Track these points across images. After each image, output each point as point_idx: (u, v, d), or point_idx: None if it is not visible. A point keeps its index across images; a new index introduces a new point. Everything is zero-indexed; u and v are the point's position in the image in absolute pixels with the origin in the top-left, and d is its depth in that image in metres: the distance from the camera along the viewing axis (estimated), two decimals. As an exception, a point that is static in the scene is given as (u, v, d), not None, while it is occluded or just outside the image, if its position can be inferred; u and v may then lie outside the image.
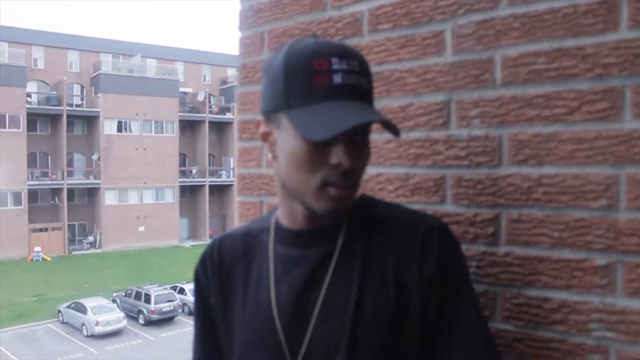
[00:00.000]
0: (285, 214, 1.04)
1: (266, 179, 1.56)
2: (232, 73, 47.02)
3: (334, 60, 0.90)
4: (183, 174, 44.29)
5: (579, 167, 1.02)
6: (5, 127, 36.66)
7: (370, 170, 1.29)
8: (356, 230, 0.99)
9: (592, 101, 1.01)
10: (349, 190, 0.93)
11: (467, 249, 1.14)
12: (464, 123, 1.15)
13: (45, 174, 39.79)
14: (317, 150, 0.90)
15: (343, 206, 0.94)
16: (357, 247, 0.98)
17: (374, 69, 1.28)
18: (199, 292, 1.14)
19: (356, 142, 0.92)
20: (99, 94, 40.14)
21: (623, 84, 0.98)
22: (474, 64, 1.14)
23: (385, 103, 1.27)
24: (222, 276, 1.10)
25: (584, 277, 1.02)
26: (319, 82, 0.89)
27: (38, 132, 39.80)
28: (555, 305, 1.05)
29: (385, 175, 1.27)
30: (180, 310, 26.09)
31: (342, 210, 0.94)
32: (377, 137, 1.28)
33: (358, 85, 0.91)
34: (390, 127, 0.93)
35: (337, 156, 0.90)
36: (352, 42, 1.33)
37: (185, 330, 24.57)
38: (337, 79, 0.89)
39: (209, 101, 46.21)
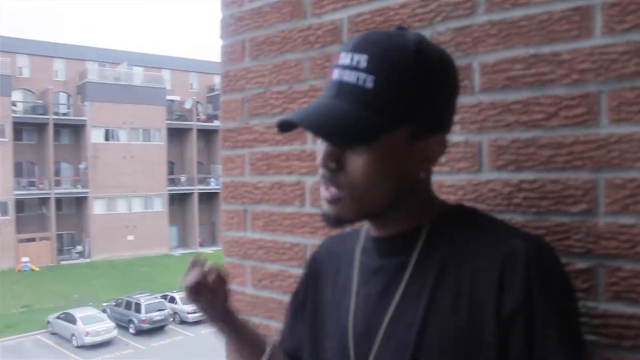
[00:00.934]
0: None
1: (250, 187, 1.56)
2: (219, 80, 46.85)
3: (342, 54, 0.85)
4: (172, 182, 44.13)
5: (558, 172, 1.03)
6: (-9, 137, 36.38)
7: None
8: (434, 244, 0.89)
9: (569, 106, 1.02)
10: (330, 192, 0.87)
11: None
12: (444, 129, 1.16)
13: (32, 184, 39.47)
14: (319, 150, 0.88)
15: (332, 209, 0.88)
16: (432, 263, 0.88)
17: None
18: (302, 279, 1.14)
19: (350, 145, 0.85)
20: (86, 103, 39.94)
21: (599, 90, 0.99)
22: (453, 70, 1.15)
23: (366, 110, 1.27)
24: (318, 279, 1.08)
25: (565, 282, 1.02)
26: (328, 77, 0.88)
27: (24, 142, 39.53)
28: (538, 309, 1.05)
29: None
30: (171, 319, 25.94)
31: (330, 216, 0.89)
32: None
33: (353, 82, 0.82)
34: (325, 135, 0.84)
35: (320, 153, 0.87)
36: (333, 50, 1.33)
37: (176, 340, 24.46)
38: (334, 74, 0.86)
39: (197, 109, 46.14)
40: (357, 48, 0.83)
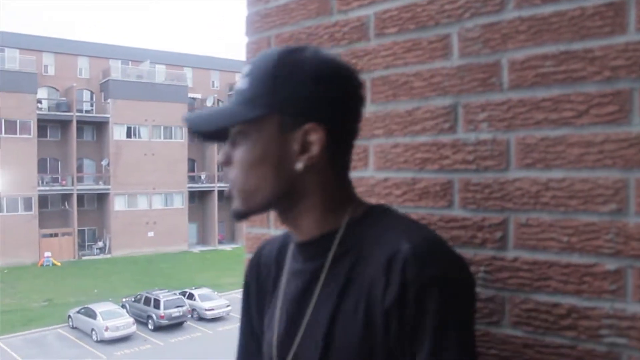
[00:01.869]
0: None
1: (273, 184, 1.56)
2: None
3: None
4: (192, 179, 44.46)
5: (587, 171, 1.01)
6: (16, 133, 36.98)
7: (377, 175, 1.29)
8: (346, 247, 0.95)
9: (601, 104, 1.00)
10: (228, 187, 0.98)
11: (475, 253, 1.13)
12: (471, 127, 1.15)
13: (55, 180, 40.07)
14: None
15: (232, 205, 0.98)
16: (343, 266, 0.94)
17: (380, 73, 1.28)
18: (245, 298, 1.16)
19: (236, 142, 0.96)
20: (109, 100, 40.41)
21: (632, 87, 0.97)
22: (481, 67, 1.14)
23: (391, 107, 1.26)
24: (259, 282, 1.13)
25: (594, 282, 1.01)
26: None
27: (48, 138, 40.13)
28: (565, 310, 1.04)
29: (392, 180, 1.26)
30: (190, 315, 26.13)
31: (231, 210, 0.98)
32: (384, 141, 1.27)
33: (239, 87, 0.96)
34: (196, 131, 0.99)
35: None
36: (359, 47, 1.33)
37: (194, 336, 24.62)
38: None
39: (218, 106, 46.30)
40: (248, 63, 1.00)
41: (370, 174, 1.30)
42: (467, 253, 1.14)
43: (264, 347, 1.06)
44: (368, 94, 1.30)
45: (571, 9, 1.03)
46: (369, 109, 1.30)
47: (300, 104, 0.92)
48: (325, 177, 0.96)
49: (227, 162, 0.97)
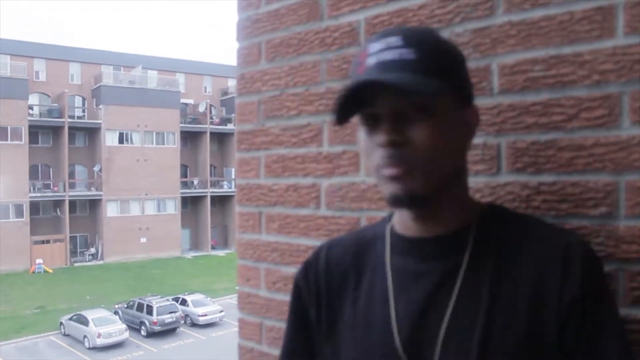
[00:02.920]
0: (397, 218, 0.97)
1: (265, 189, 1.56)
2: (233, 84, 47.14)
3: (371, 45, 0.87)
4: (184, 185, 44.33)
5: (578, 175, 1.02)
6: (7, 140, 36.76)
7: (368, 180, 1.29)
8: (485, 244, 0.89)
9: (590, 108, 1.00)
10: (398, 168, 0.84)
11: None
12: (461, 131, 1.15)
13: (47, 186, 39.83)
14: (369, 134, 0.88)
15: (401, 189, 0.85)
16: (486, 264, 0.88)
17: (371, 78, 1.28)
18: (297, 303, 1.06)
19: (407, 117, 0.84)
20: (101, 106, 40.27)
21: (621, 91, 0.97)
22: (471, 72, 1.13)
23: (382, 112, 1.26)
24: (329, 288, 1.01)
25: (585, 286, 1.01)
26: (360, 69, 0.87)
27: (40, 144, 39.91)
28: (557, 314, 1.03)
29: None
30: (183, 321, 26.01)
31: (402, 194, 0.85)
32: (375, 146, 1.27)
33: (395, 58, 0.84)
34: (415, 91, 0.82)
35: (380, 134, 0.85)
36: (350, 52, 1.33)
37: (187, 342, 24.52)
38: (371, 61, 0.86)
39: (210, 112, 46.32)
40: (386, 34, 0.87)
41: (362, 179, 1.30)
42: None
43: (363, 357, 0.94)
44: (359, 99, 1.30)
45: (560, 13, 1.04)
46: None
47: (466, 84, 0.93)
48: (466, 164, 0.96)
49: (404, 140, 0.84)
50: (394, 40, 0.85)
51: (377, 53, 0.85)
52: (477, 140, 1.13)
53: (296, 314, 1.07)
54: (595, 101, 1.00)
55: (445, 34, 1.17)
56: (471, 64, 1.13)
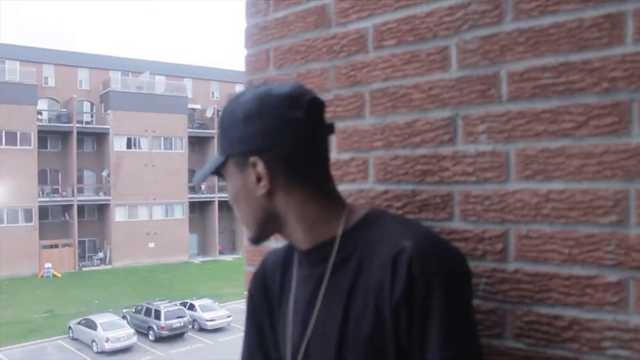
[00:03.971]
0: None
1: (273, 196, 1.56)
2: (240, 89, 47.08)
3: None
4: (192, 190, 44.41)
5: (587, 182, 1.01)
6: (16, 145, 37.03)
7: (377, 187, 1.29)
8: (348, 251, 1.03)
9: (600, 115, 1.00)
10: None
11: (476, 265, 1.13)
12: (470, 139, 1.15)
13: (55, 191, 40.06)
14: None
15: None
16: (347, 268, 1.02)
17: (379, 85, 1.28)
18: (251, 310, 1.22)
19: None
20: (109, 111, 40.50)
21: (630, 98, 0.97)
22: (480, 79, 1.14)
23: (391, 119, 1.26)
24: (266, 290, 1.19)
25: (596, 294, 1.00)
26: None
27: (49, 149, 40.16)
28: (567, 322, 1.03)
29: (392, 192, 1.26)
30: (190, 326, 26.02)
31: (249, 238, 1.11)
32: (383, 153, 1.27)
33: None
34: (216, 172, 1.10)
35: None
36: (357, 59, 1.33)
37: (195, 347, 24.52)
38: None
39: (218, 117, 46.36)
40: None
41: (370, 186, 1.30)
42: (467, 265, 1.13)
43: (280, 351, 1.14)
44: (367, 106, 1.30)
45: (569, 20, 1.03)
46: (369, 121, 1.30)
47: (239, 144, 1.04)
48: (292, 196, 1.05)
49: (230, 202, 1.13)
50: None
51: None
52: (486, 147, 1.12)
53: (251, 321, 1.22)
54: (605, 108, 0.99)
55: (453, 41, 1.17)
56: (479, 71, 1.14)
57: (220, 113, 1.11)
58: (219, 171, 1.09)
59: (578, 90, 1.02)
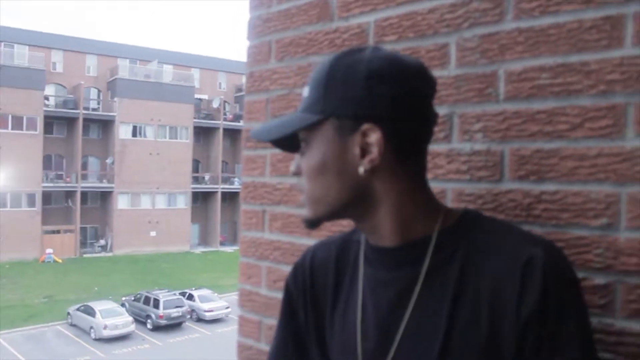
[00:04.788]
0: None
1: (269, 187, 1.56)
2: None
3: None
4: (196, 180, 44.51)
5: (580, 185, 1.01)
6: (22, 129, 37.13)
7: (371, 182, 1.28)
8: (448, 253, 0.90)
9: (595, 118, 1.00)
10: (300, 194, 0.98)
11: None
12: (466, 137, 1.15)
13: (59, 177, 40.17)
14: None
15: (304, 212, 0.97)
16: (449, 272, 0.89)
17: (378, 80, 1.28)
18: (287, 305, 1.09)
19: (303, 150, 0.95)
20: (115, 99, 40.55)
21: (626, 101, 0.96)
22: (478, 77, 1.14)
23: (388, 115, 1.26)
24: (314, 290, 1.05)
25: (584, 296, 1.00)
26: None
27: (54, 135, 40.24)
28: (554, 324, 1.03)
29: (386, 187, 1.26)
30: (189, 316, 26.12)
31: (303, 217, 0.97)
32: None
33: (303, 96, 0.95)
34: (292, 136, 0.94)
35: None
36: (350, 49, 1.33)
37: (193, 337, 24.62)
38: None
39: (224, 108, 46.49)
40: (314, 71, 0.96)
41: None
42: (458, 263, 1.14)
43: (339, 358, 1.00)
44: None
45: (569, 21, 1.03)
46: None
47: (354, 105, 0.88)
48: (397, 181, 0.91)
49: (297, 171, 0.96)
50: (310, 79, 0.95)
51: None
52: (481, 146, 1.12)
53: (287, 316, 1.09)
54: (601, 111, 0.99)
55: (453, 38, 1.17)
56: (478, 70, 1.14)
57: (323, 66, 0.93)
58: (301, 134, 0.93)
59: (575, 91, 1.02)
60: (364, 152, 0.88)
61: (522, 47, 1.09)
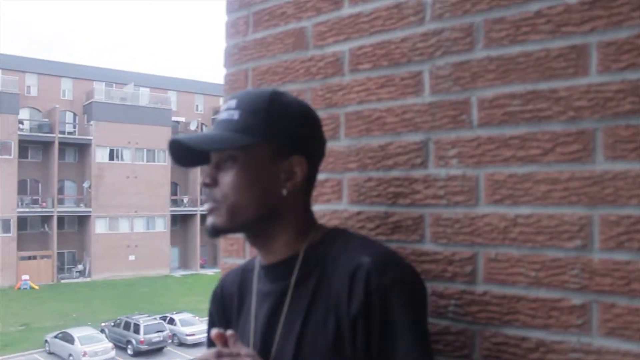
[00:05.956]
0: None
1: (249, 214, 1.57)
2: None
3: (222, 106, 1.12)
4: (174, 202, 44.16)
5: (553, 208, 1.04)
6: (-4, 154, 36.56)
7: (350, 208, 1.30)
8: (310, 267, 1.06)
9: (566, 143, 1.03)
10: (207, 204, 1.07)
11: (445, 287, 1.15)
12: (442, 163, 1.17)
13: (35, 201, 39.53)
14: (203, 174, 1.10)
15: (209, 220, 1.07)
16: (309, 283, 1.05)
17: (354, 107, 1.30)
18: (210, 321, 1.25)
19: (222, 165, 1.06)
20: (92, 122, 40.19)
21: (594, 127, 1.00)
22: (452, 104, 1.16)
23: (365, 142, 1.28)
24: (224, 309, 1.21)
25: (561, 317, 1.02)
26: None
27: (29, 159, 39.67)
28: (533, 344, 1.05)
29: (365, 214, 1.28)
30: (170, 340, 25.71)
31: (209, 226, 1.07)
32: (357, 174, 1.29)
33: (225, 118, 1.07)
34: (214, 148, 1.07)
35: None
36: (334, 81, 1.35)
37: (174, 361, 24.19)
38: (216, 119, 1.11)
39: (202, 130, 46.28)
40: (233, 96, 1.09)
41: (344, 207, 1.31)
42: (438, 287, 1.16)
43: None
44: (342, 128, 1.33)
45: (537, 50, 1.07)
46: (343, 143, 1.32)
47: (290, 138, 1.06)
48: (299, 203, 1.10)
49: (213, 183, 1.06)
50: (232, 103, 1.07)
51: (221, 112, 1.10)
52: (457, 171, 1.15)
53: (208, 329, 1.22)
54: (571, 136, 1.02)
55: (426, 66, 1.20)
56: (451, 97, 1.16)
57: (261, 97, 1.07)
58: (228, 150, 1.05)
59: (545, 118, 1.05)
60: (288, 177, 1.06)
61: (493, 74, 1.12)
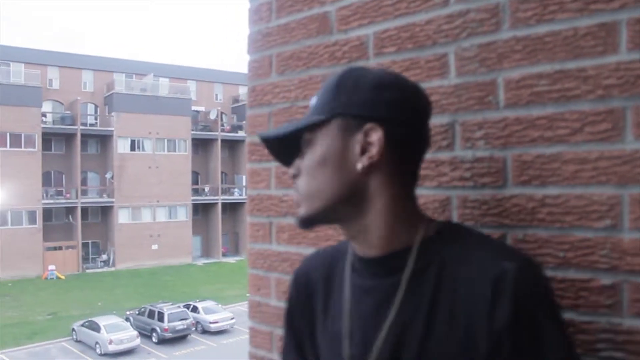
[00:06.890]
0: None
1: (275, 200, 1.58)
2: (243, 91, 47.42)
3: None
4: (196, 192, 44.53)
5: (582, 188, 1.03)
6: (20, 147, 37.18)
7: (376, 191, 1.30)
8: (427, 263, 0.93)
9: (594, 122, 1.02)
10: (295, 197, 1.00)
11: (473, 269, 1.15)
12: (468, 144, 1.17)
13: (59, 193, 40.18)
14: None
15: (297, 212, 0.99)
16: (426, 283, 0.92)
17: (379, 91, 1.30)
18: (288, 313, 1.15)
19: (304, 152, 0.99)
20: (113, 113, 40.64)
21: (624, 106, 0.99)
22: (478, 86, 1.16)
23: (390, 125, 1.28)
24: (309, 296, 1.10)
25: (590, 297, 1.02)
26: None
27: (53, 151, 40.29)
28: (562, 325, 1.05)
29: (391, 196, 1.28)
30: (194, 328, 26.07)
31: (297, 217, 0.99)
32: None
33: (310, 105, 1.02)
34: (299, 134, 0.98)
35: None
36: (358, 65, 1.35)
37: (198, 349, 24.56)
38: None
39: (221, 119, 46.55)
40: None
41: (370, 190, 1.32)
42: (465, 268, 1.16)
43: None
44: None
45: (565, 29, 1.06)
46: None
47: (359, 106, 0.94)
48: (390, 184, 0.95)
49: (296, 172, 0.99)
50: (319, 89, 1.02)
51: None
52: (483, 153, 1.15)
53: (288, 324, 1.15)
54: (599, 115, 1.02)
55: (452, 48, 1.20)
56: (477, 78, 1.16)
57: (333, 76, 1.00)
58: (305, 134, 0.98)
59: (573, 97, 1.04)
60: (364, 150, 0.93)
61: (519, 55, 1.11)
